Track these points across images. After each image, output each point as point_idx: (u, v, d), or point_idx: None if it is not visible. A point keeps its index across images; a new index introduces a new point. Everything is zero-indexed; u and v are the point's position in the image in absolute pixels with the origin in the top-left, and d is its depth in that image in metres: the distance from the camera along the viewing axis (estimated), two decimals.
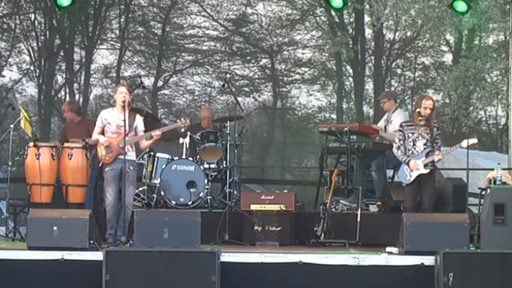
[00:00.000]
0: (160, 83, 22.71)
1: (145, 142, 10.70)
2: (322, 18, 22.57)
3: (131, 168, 10.46)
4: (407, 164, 10.56)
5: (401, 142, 10.71)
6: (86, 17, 21.97)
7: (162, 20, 22.59)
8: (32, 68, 22.08)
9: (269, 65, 22.98)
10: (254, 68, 22.93)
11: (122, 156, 10.38)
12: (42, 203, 10.73)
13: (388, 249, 9.88)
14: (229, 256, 9.33)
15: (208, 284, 8.90)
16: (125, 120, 10.33)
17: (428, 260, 9.26)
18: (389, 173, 12.29)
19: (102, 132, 10.62)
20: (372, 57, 22.30)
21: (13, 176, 11.44)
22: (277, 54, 22.65)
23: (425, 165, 10.57)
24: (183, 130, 11.46)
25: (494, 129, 22.22)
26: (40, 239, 9.45)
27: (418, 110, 10.65)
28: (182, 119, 11.02)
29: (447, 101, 20.79)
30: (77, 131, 11.62)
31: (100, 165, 10.75)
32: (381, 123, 12.52)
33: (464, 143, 10.69)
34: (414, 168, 10.53)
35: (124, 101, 10.42)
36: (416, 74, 22.74)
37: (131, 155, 10.55)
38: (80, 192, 10.98)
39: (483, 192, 11.15)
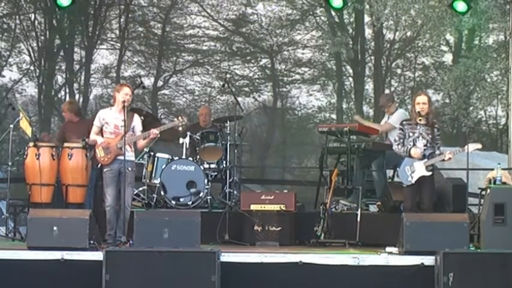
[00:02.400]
0: (160, 83, 22.70)
1: (141, 142, 10.68)
2: (322, 18, 22.56)
3: (130, 169, 10.45)
4: (409, 152, 10.49)
5: (401, 140, 10.69)
6: (86, 17, 21.96)
7: (162, 20, 22.58)
8: (32, 68, 22.07)
9: (269, 65, 22.97)
10: (254, 68, 22.91)
11: (120, 157, 10.38)
12: (42, 203, 10.73)
13: (388, 249, 9.88)
14: (229, 256, 9.33)
15: (208, 284, 8.90)
16: (125, 121, 10.34)
17: (428, 260, 9.26)
18: (389, 173, 12.29)
19: (100, 133, 10.61)
20: (372, 57, 22.29)
21: (13, 176, 11.44)
22: (277, 54, 22.63)
23: (427, 167, 10.54)
24: (180, 129, 11.45)
25: (494, 129, 22.21)
26: (40, 239, 9.45)
27: (418, 110, 10.61)
28: (180, 118, 11.03)
29: (447, 101, 20.79)
30: (76, 131, 11.62)
31: (98, 165, 10.74)
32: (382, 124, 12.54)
33: (467, 148, 10.65)
34: (417, 156, 10.44)
35: (124, 101, 10.41)
36: (416, 74, 22.73)
37: (130, 155, 10.53)
38: (80, 192, 10.98)
39: (483, 192, 11.14)
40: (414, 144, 10.61)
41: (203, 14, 22.50)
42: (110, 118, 10.58)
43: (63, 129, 12.24)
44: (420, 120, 10.59)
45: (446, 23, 17.12)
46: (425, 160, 10.54)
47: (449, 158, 10.64)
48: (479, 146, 10.80)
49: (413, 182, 10.55)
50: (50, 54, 21.73)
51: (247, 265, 9.37)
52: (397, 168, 11.09)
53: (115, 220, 10.38)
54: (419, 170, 10.51)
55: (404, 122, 10.80)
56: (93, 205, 11.37)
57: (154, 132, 10.61)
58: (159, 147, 12.52)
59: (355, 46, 21.82)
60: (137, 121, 10.69)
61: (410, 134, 10.65)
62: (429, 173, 10.54)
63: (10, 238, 11.01)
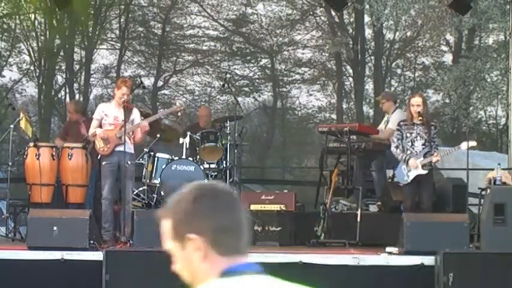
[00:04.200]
0: (160, 83, 22.72)
1: (138, 134, 10.67)
2: (322, 18, 22.59)
3: (129, 162, 10.47)
4: (407, 162, 10.52)
5: (400, 141, 10.67)
6: (86, 17, 21.99)
7: (162, 20, 22.61)
8: (32, 68, 22.10)
9: (269, 65, 23.00)
10: (254, 68, 22.94)
11: (119, 148, 10.40)
12: (42, 203, 10.72)
13: (388, 249, 9.87)
14: None
15: None
16: (124, 120, 10.37)
17: (428, 260, 9.25)
18: (389, 173, 12.28)
19: (100, 126, 10.65)
20: (372, 57, 22.32)
21: (13, 176, 11.44)
22: (277, 54, 22.66)
23: (424, 166, 10.54)
24: (179, 114, 11.45)
25: (494, 129, 22.24)
26: (40, 239, 9.45)
27: (418, 110, 10.60)
28: (178, 103, 11.06)
29: (447, 101, 20.82)
30: (79, 133, 11.60)
31: (98, 157, 10.73)
32: (382, 125, 12.51)
33: (463, 146, 10.65)
34: (414, 167, 10.48)
35: (124, 101, 10.46)
36: (416, 74, 22.76)
37: (129, 147, 10.54)
38: (80, 192, 10.98)
39: (483, 192, 11.14)
40: (413, 144, 10.61)
41: (203, 14, 22.52)
42: (109, 110, 10.63)
43: (66, 129, 12.23)
44: (420, 119, 10.58)
45: (446, 23, 17.13)
46: (422, 159, 10.54)
47: (437, 160, 10.66)
48: (475, 143, 10.79)
49: (409, 181, 10.52)
50: (50, 54, 21.74)
51: None
52: (394, 173, 11.11)
53: (110, 212, 10.40)
54: (416, 168, 10.53)
55: (401, 123, 10.78)
56: (93, 205, 11.37)
57: (143, 124, 10.59)
58: (159, 147, 12.52)
59: (355, 46, 21.84)
60: (136, 114, 10.72)
61: (408, 135, 10.63)
62: (425, 172, 10.52)
63: (10, 238, 11.01)
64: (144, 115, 11.97)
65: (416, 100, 10.61)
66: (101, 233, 10.32)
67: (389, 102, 12.46)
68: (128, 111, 10.48)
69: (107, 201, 10.44)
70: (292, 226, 11.31)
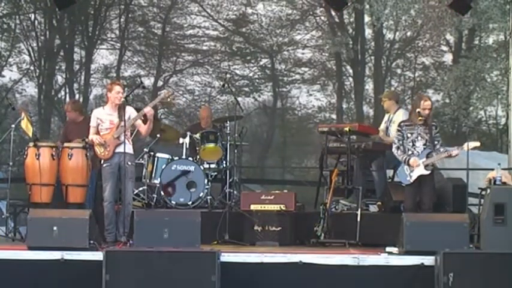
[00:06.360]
0: (160, 83, 22.70)
1: (143, 126, 10.68)
2: (322, 18, 22.57)
3: (129, 163, 10.48)
4: (408, 162, 10.52)
5: (401, 142, 10.69)
6: (86, 17, 21.98)
7: (162, 20, 22.59)
8: (32, 68, 22.09)
9: (269, 65, 22.98)
10: (254, 68, 22.92)
11: (119, 149, 10.41)
12: (42, 203, 10.73)
13: (388, 249, 9.87)
14: (229, 256, 9.33)
15: (208, 284, 8.90)
16: (124, 117, 10.39)
17: (428, 260, 9.25)
18: (390, 173, 12.28)
19: (98, 132, 10.66)
20: (372, 57, 22.31)
21: (13, 176, 11.44)
22: (277, 54, 22.64)
23: (426, 166, 10.54)
24: (169, 100, 11.48)
25: (494, 129, 22.22)
26: (40, 239, 9.45)
27: (418, 110, 10.62)
28: (165, 91, 11.08)
29: (447, 101, 20.79)
30: (79, 131, 11.59)
31: (101, 161, 10.76)
32: (383, 125, 12.50)
33: (465, 146, 10.65)
34: (415, 165, 10.48)
35: (117, 99, 10.49)
36: (416, 74, 22.74)
37: (129, 148, 10.55)
38: (80, 192, 10.98)
39: (483, 192, 11.14)
40: (414, 145, 10.62)
41: (203, 14, 22.51)
42: (103, 116, 10.66)
43: (66, 131, 12.22)
44: (420, 120, 10.59)
45: (446, 23, 17.12)
46: (424, 159, 10.55)
47: (457, 154, 10.66)
48: (478, 144, 10.80)
49: (411, 181, 10.54)
50: (50, 54, 21.74)
51: (247, 265, 9.37)
52: (396, 173, 11.11)
53: (113, 214, 10.42)
54: (418, 168, 10.52)
55: (402, 124, 10.80)
56: (93, 205, 11.37)
57: (146, 110, 10.60)
58: (159, 147, 12.53)
59: (355, 46, 21.82)
60: (131, 111, 10.72)
61: (409, 135, 10.65)
62: (428, 172, 10.54)
63: (10, 238, 11.01)
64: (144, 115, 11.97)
65: (428, 104, 10.67)
66: (104, 234, 10.35)
67: (391, 101, 12.42)
68: (123, 110, 10.50)
69: (109, 204, 10.46)
70: (292, 226, 11.32)
